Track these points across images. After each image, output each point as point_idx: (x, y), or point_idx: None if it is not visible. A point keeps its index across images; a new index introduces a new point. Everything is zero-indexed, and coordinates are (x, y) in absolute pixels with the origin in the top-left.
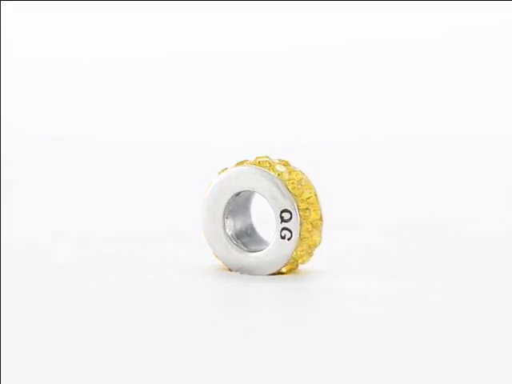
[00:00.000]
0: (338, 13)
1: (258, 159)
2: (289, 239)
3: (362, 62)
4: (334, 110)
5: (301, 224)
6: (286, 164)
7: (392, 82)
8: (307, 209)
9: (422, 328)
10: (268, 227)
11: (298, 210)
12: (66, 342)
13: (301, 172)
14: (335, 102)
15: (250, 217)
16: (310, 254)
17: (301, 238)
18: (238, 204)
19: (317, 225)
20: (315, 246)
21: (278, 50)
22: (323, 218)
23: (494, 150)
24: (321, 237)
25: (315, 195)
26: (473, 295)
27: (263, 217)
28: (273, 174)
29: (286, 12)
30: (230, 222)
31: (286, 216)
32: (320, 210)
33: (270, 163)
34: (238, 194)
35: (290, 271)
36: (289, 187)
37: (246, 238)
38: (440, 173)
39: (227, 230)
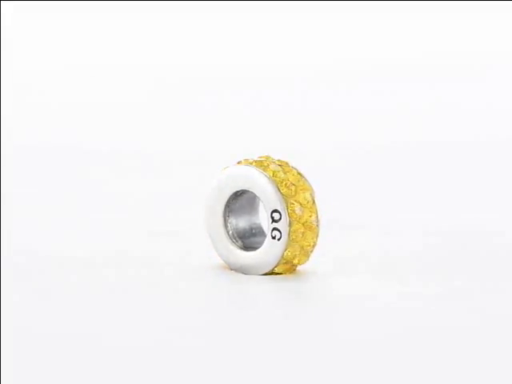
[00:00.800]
0: (336, 13)
1: (256, 159)
2: (278, 239)
3: (362, 62)
4: (335, 109)
5: (290, 225)
6: (283, 164)
7: (393, 82)
8: (299, 210)
9: (421, 329)
10: None
11: (288, 210)
12: (64, 342)
13: (298, 173)
14: (336, 102)
15: (257, 217)
16: (306, 255)
17: (290, 238)
18: (242, 203)
19: (311, 226)
20: (309, 247)
21: (283, 50)
22: (319, 220)
23: (490, 150)
24: (316, 238)
25: (311, 196)
26: (475, 296)
27: None
28: (266, 173)
29: (284, 12)
30: (231, 221)
31: (276, 216)
32: (316, 211)
33: (267, 163)
34: (237, 193)
35: (286, 271)
36: (280, 187)
37: (251, 237)
38: (440, 173)
39: (228, 229)
